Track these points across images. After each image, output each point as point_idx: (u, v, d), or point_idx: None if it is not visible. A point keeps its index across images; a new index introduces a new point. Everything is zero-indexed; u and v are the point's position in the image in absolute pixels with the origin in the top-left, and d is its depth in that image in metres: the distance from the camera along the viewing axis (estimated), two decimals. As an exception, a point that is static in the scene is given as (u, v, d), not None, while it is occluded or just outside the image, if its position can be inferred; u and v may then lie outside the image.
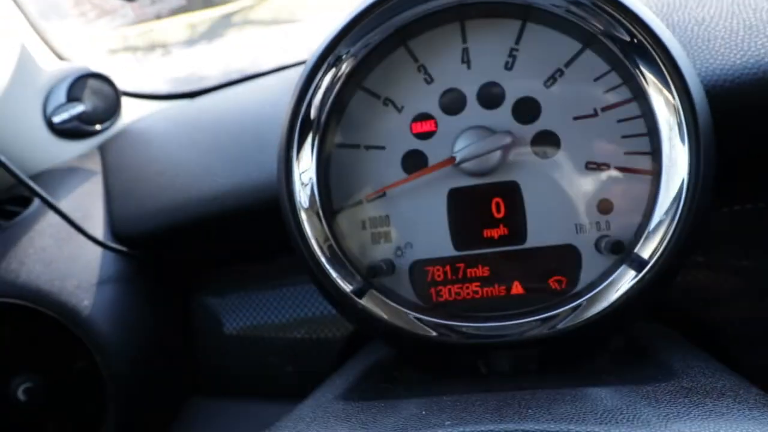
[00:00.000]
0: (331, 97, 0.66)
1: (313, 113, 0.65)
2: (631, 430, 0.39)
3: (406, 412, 0.46)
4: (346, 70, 0.66)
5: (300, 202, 0.65)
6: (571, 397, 0.46)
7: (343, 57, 0.65)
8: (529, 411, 0.43)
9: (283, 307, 1.04)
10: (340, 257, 0.65)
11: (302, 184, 0.65)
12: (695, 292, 0.80)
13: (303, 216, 0.65)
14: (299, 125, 0.65)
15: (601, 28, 0.60)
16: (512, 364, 0.66)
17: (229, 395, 1.06)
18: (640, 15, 0.58)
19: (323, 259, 0.64)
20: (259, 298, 1.06)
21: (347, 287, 0.64)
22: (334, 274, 0.64)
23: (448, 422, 0.42)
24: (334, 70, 0.66)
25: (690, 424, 0.40)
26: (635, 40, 0.59)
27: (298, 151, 0.65)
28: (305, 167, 0.65)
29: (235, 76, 1.43)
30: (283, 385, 1.03)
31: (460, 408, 0.45)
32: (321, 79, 0.65)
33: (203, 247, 1.02)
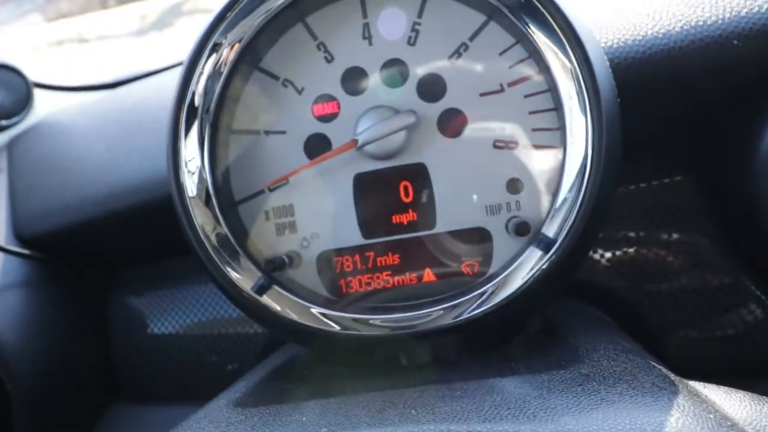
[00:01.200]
0: (221, 80, 0.61)
1: (197, 100, 0.60)
2: (514, 426, 0.36)
3: (288, 419, 0.43)
4: (238, 51, 0.61)
5: (188, 192, 0.60)
6: (462, 392, 0.43)
7: (229, 37, 0.61)
8: (413, 412, 0.40)
9: (210, 303, 1.00)
10: (237, 251, 0.61)
11: (189, 172, 0.60)
12: (620, 268, 0.79)
13: (193, 207, 0.60)
14: (185, 112, 0.60)
15: None
16: (432, 354, 0.63)
17: (154, 400, 1.01)
18: None
19: (214, 251, 0.60)
20: (182, 294, 1.01)
21: (246, 283, 0.60)
22: (229, 269, 0.60)
23: (324, 429, 0.39)
24: (224, 51, 0.61)
25: (578, 415, 0.37)
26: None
27: (185, 139, 0.61)
28: (192, 155, 0.61)
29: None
30: (215, 385, 0.99)
31: (343, 411, 0.42)
32: (206, 63, 0.60)
33: (114, 245, 0.97)
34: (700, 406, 0.39)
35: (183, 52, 0.64)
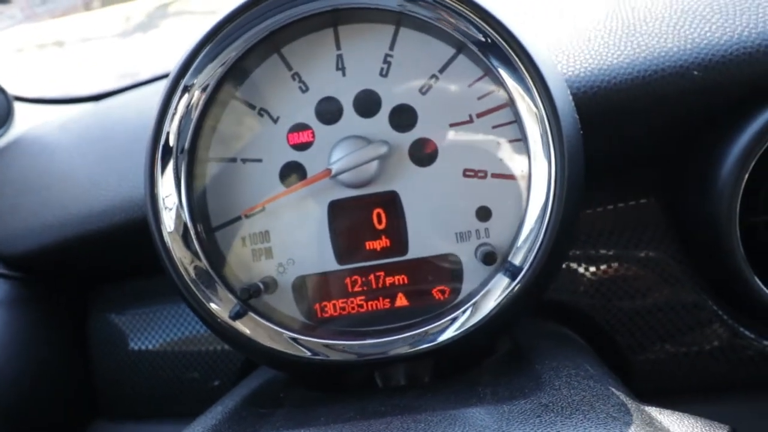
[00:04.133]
0: (194, 119, 0.63)
1: (171, 139, 0.62)
2: (471, 461, 0.38)
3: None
4: (210, 91, 0.63)
5: (166, 227, 0.62)
6: (426, 424, 0.45)
7: (199, 79, 0.62)
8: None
9: (190, 320, 1.01)
10: (213, 280, 0.62)
11: (167, 208, 0.62)
12: (587, 288, 0.81)
13: (171, 242, 0.62)
14: (160, 151, 0.62)
15: (460, 29, 0.59)
16: (407, 376, 0.65)
17: (135, 417, 1.01)
18: (493, 13, 0.57)
19: (192, 283, 0.61)
20: (163, 311, 1.02)
21: (223, 311, 0.62)
22: (207, 299, 0.61)
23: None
24: (196, 92, 0.63)
25: (532, 449, 0.39)
26: (489, 40, 0.58)
27: (162, 177, 0.62)
28: (168, 192, 0.62)
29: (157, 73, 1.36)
30: (196, 402, 1.00)
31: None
32: (178, 104, 0.62)
33: (94, 263, 0.97)
34: (650, 437, 0.41)
35: (166, 60, 0.65)
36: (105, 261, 0.99)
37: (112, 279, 1.03)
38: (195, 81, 0.62)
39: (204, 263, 0.62)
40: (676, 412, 0.49)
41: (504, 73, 0.58)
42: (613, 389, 0.52)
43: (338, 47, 0.65)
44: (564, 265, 0.80)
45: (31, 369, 0.91)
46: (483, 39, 0.58)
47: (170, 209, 0.62)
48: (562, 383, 0.51)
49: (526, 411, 0.45)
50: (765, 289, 0.68)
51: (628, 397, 0.51)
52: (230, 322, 0.61)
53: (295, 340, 0.61)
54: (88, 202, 0.91)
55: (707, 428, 0.46)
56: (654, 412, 0.49)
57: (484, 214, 0.63)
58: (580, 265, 0.80)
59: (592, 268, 0.80)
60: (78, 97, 1.42)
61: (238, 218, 0.66)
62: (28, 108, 1.32)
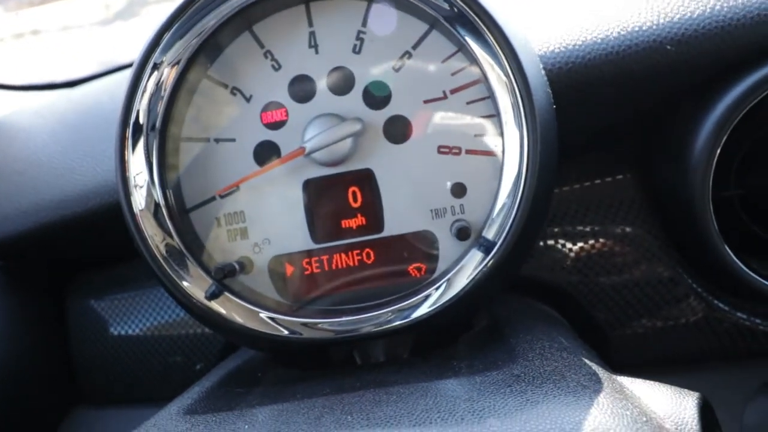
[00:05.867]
0: (165, 97, 0.62)
1: (142, 117, 0.61)
2: (442, 429, 0.38)
3: (231, 427, 0.45)
4: (180, 67, 0.62)
5: (137, 205, 0.61)
6: (397, 396, 0.45)
7: (168, 56, 0.61)
8: (348, 417, 0.42)
9: (171, 304, 1.00)
10: (186, 258, 0.62)
11: (138, 186, 0.61)
12: (566, 264, 0.81)
13: (142, 219, 0.61)
14: (131, 129, 0.61)
15: (431, 2, 0.58)
16: (386, 353, 0.65)
17: (118, 403, 1.01)
18: None
19: (164, 262, 0.61)
20: (143, 296, 1.01)
21: (197, 290, 0.61)
22: (179, 278, 0.61)
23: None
24: (165, 70, 0.62)
25: (503, 417, 0.40)
26: (458, 11, 0.57)
27: (132, 155, 0.61)
28: (139, 170, 0.61)
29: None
30: (180, 385, 1.00)
31: (284, 419, 0.44)
32: (147, 82, 0.61)
33: (72, 249, 0.96)
34: (619, 404, 0.42)
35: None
36: (83, 246, 0.98)
37: (91, 264, 1.02)
38: (164, 58, 0.61)
39: (176, 241, 0.61)
40: (647, 381, 0.50)
41: (475, 46, 0.58)
42: (586, 360, 0.52)
43: (310, 24, 0.65)
44: (541, 242, 0.81)
45: (11, 356, 0.90)
46: (453, 12, 0.58)
47: (141, 187, 0.61)
48: (536, 355, 0.51)
49: (498, 381, 0.45)
50: (738, 262, 0.69)
51: (600, 368, 0.51)
52: (206, 302, 0.61)
53: (272, 319, 0.61)
54: (63, 187, 0.90)
55: (677, 396, 0.47)
56: (625, 381, 0.50)
57: (459, 190, 0.63)
58: (557, 242, 0.80)
59: (570, 245, 0.80)
60: (53, 84, 1.39)
61: (213, 198, 0.66)
62: (2, 95, 1.30)
